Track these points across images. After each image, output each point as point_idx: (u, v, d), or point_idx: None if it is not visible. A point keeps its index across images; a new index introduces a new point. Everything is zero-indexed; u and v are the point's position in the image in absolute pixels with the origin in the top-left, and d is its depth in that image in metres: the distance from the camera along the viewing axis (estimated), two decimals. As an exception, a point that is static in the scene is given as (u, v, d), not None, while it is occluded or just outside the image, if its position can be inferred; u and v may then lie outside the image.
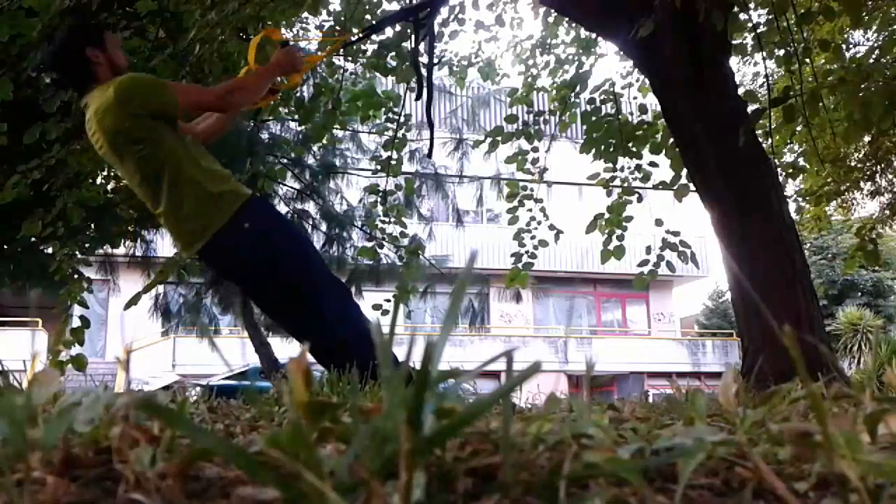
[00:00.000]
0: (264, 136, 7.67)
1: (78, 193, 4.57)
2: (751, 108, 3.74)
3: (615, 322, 21.79)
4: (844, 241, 19.23)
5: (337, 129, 6.88)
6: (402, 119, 6.16)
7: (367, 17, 5.77)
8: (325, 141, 6.71)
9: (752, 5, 5.01)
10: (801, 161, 6.66)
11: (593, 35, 6.22)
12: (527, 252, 6.24)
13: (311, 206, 8.29)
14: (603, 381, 18.57)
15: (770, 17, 4.66)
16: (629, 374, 18.68)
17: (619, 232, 5.99)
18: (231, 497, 0.48)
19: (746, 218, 3.49)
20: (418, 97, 5.00)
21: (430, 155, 5.60)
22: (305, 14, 6.18)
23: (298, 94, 5.88)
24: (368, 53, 5.71)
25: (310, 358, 0.58)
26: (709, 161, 3.63)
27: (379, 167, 6.36)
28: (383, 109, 6.54)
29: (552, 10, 6.21)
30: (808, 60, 4.50)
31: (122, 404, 0.60)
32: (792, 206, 6.50)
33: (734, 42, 4.52)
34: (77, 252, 5.08)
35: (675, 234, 5.60)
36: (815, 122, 4.76)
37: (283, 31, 5.82)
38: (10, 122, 4.12)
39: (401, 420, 0.42)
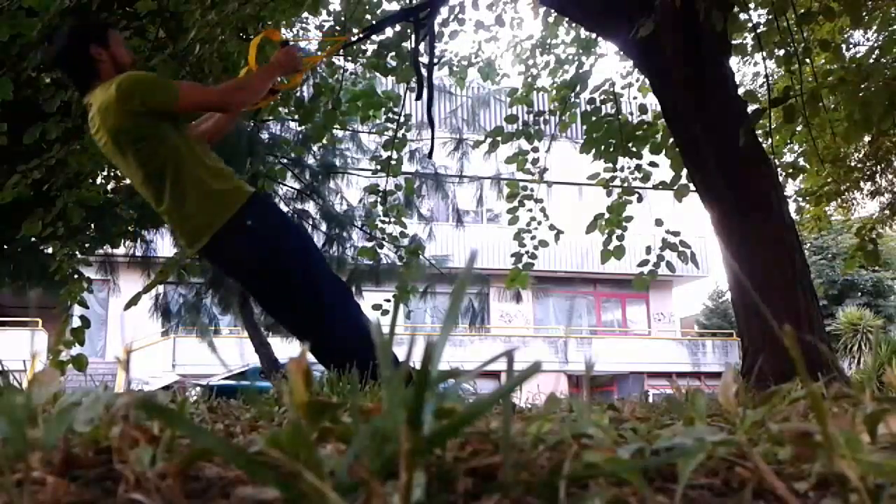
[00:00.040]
0: (264, 136, 7.67)
1: (78, 193, 4.57)
2: (751, 108, 3.74)
3: (615, 322, 21.78)
4: (844, 241, 19.22)
5: (337, 129, 6.87)
6: (402, 119, 6.16)
7: (367, 17, 5.77)
8: (325, 141, 6.71)
9: (752, 5, 5.01)
10: (801, 161, 6.66)
11: (593, 35, 6.22)
12: (527, 252, 6.24)
13: (311, 206, 8.29)
14: (603, 381, 18.57)
15: (770, 17, 4.66)
16: (629, 374, 18.68)
17: (619, 232, 5.98)
18: (231, 497, 0.48)
19: (746, 218, 3.49)
20: (418, 97, 4.99)
21: (430, 156, 5.60)
22: (305, 14, 6.18)
23: (298, 94, 5.88)
24: (368, 53, 5.71)
25: (310, 358, 0.58)
26: (709, 161, 3.63)
27: (379, 167, 6.36)
28: (383, 109, 6.54)
29: (552, 10, 6.21)
30: (808, 60, 4.50)
31: (122, 404, 0.60)
32: (792, 206, 6.50)
33: (734, 42, 4.53)
34: (77, 252, 5.08)
35: (675, 234, 5.60)
36: (815, 122, 4.76)
37: (283, 31, 5.83)
38: (10, 122, 4.12)
39: (401, 420, 0.42)
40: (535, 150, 6.33)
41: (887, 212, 8.16)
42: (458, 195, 9.35)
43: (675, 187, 5.49)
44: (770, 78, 5.08)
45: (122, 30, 4.10)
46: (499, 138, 6.21)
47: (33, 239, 5.07)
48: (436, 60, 5.27)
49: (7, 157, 4.59)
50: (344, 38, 5.04)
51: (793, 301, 3.33)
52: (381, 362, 0.46)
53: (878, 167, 8.14)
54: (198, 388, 7.29)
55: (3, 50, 4.09)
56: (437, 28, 5.57)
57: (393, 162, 6.16)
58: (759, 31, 4.38)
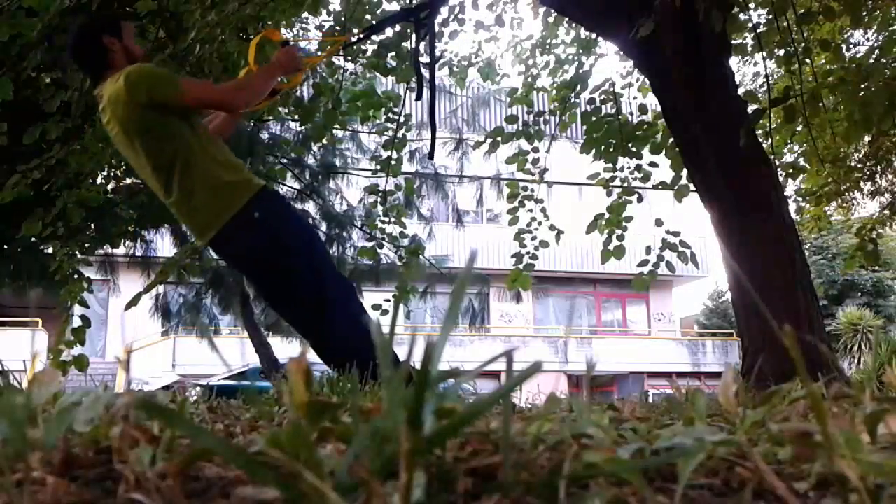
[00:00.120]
0: (264, 136, 7.68)
1: (78, 193, 4.57)
2: (751, 108, 3.74)
3: (615, 322, 21.78)
4: (844, 241, 19.22)
5: (337, 129, 6.87)
6: (402, 119, 6.16)
7: (368, 17, 5.77)
8: (325, 141, 6.71)
9: (752, 5, 5.01)
10: (801, 161, 6.66)
11: (593, 35, 6.21)
12: (528, 253, 6.23)
13: (311, 206, 8.29)
14: (603, 381, 18.57)
15: (770, 17, 4.66)
16: (629, 374, 18.68)
17: (619, 232, 5.98)
18: (231, 497, 0.48)
19: (746, 218, 3.49)
20: (418, 97, 4.99)
21: (431, 157, 5.59)
22: (305, 14, 6.18)
23: (298, 94, 5.88)
24: (368, 53, 5.71)
25: (310, 357, 0.58)
26: (709, 161, 3.62)
27: (379, 167, 6.36)
28: (383, 109, 6.54)
29: (552, 10, 6.21)
30: (808, 60, 4.50)
31: (122, 404, 0.60)
32: (792, 206, 6.51)
33: (734, 42, 4.52)
34: (77, 252, 5.08)
35: (675, 234, 5.60)
36: (815, 122, 4.76)
37: (283, 31, 5.83)
38: (10, 122, 4.12)
39: (401, 420, 0.42)
40: (535, 150, 6.33)
41: (887, 212, 8.14)
42: (458, 195, 9.36)
43: (675, 187, 5.49)
44: (770, 78, 5.08)
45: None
46: (499, 138, 6.21)
47: (33, 239, 5.07)
48: (436, 60, 5.26)
49: (7, 157, 4.59)
50: (344, 38, 5.03)
51: (793, 301, 3.33)
52: (381, 362, 0.46)
53: (878, 167, 8.14)
54: (198, 388, 7.29)
55: (3, 50, 4.09)
56: (437, 28, 5.56)
57: (393, 162, 6.16)
58: (759, 31, 4.38)
